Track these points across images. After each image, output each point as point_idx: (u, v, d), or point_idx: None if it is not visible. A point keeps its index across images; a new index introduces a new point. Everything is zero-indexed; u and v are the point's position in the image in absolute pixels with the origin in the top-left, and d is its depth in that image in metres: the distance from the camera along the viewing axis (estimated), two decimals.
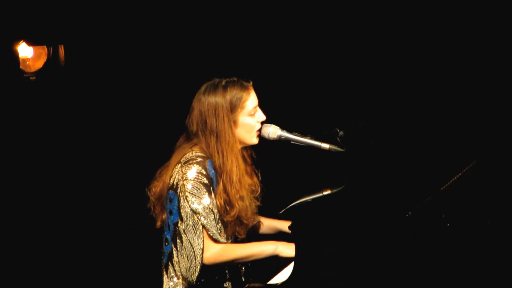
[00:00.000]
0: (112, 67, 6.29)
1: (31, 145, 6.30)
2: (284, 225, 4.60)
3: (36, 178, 6.34)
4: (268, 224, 4.66)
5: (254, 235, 4.59)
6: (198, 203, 4.17)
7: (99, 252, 6.37)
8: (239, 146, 4.32)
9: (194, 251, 4.17)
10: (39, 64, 6.30)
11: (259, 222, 4.63)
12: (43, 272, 6.33)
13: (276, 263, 4.37)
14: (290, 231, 4.31)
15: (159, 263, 4.38)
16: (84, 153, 6.37)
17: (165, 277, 4.31)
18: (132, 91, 6.30)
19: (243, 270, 4.45)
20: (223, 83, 4.30)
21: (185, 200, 4.17)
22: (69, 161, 6.36)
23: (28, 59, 6.28)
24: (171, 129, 4.55)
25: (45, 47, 6.29)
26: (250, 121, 4.31)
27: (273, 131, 4.35)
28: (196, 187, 4.17)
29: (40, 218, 6.35)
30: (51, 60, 6.29)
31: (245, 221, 4.31)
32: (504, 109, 5.48)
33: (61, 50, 6.28)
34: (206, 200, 4.18)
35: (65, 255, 6.35)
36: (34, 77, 6.28)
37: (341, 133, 4.28)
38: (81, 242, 6.37)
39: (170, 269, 4.27)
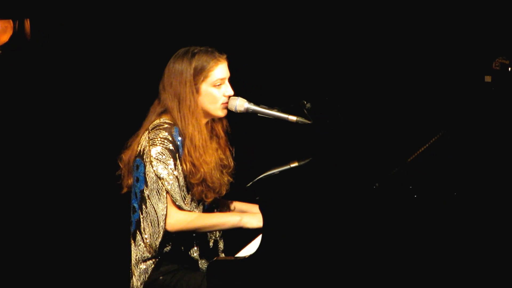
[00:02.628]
0: (79, 40, 6.24)
1: None
2: (252, 208, 4.61)
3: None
4: (237, 207, 4.68)
5: None
6: (163, 168, 4.18)
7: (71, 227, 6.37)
8: (203, 116, 4.32)
9: (157, 216, 4.18)
10: (5, 38, 6.22)
11: (229, 205, 4.66)
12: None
13: (245, 235, 4.38)
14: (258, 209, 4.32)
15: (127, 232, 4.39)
16: (51, 127, 6.32)
17: (132, 245, 4.33)
18: (100, 64, 6.26)
19: (212, 243, 4.45)
20: (195, 50, 4.34)
21: (150, 165, 4.19)
22: (36, 135, 6.31)
23: None
24: (143, 98, 4.53)
25: (10, 21, 6.21)
26: (214, 92, 4.30)
27: (240, 104, 4.34)
28: (162, 152, 4.18)
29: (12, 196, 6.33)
30: (17, 34, 6.22)
31: (210, 185, 4.31)
32: (469, 80, 5.51)
33: (27, 23, 6.21)
34: (171, 166, 4.19)
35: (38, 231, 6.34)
36: (0, 51, 6.22)
37: (308, 105, 4.28)
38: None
39: (138, 237, 4.28)
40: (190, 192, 4.30)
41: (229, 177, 4.48)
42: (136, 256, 4.30)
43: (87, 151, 6.32)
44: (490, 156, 4.30)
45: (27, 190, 6.30)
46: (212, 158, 4.34)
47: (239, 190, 4.59)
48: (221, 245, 4.55)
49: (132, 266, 4.33)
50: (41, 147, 6.32)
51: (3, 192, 6.27)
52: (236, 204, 4.68)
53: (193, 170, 4.25)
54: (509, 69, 4.63)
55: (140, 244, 4.28)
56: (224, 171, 4.45)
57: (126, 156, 4.35)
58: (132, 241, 4.32)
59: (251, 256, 4.07)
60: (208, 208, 4.44)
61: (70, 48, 6.27)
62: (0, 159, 6.28)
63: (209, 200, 4.36)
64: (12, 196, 6.28)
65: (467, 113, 4.38)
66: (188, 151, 4.25)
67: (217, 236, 4.52)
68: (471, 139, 4.30)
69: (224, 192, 4.45)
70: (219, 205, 4.58)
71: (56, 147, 6.34)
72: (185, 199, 4.27)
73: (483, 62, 5.23)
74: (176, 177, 4.21)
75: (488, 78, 4.78)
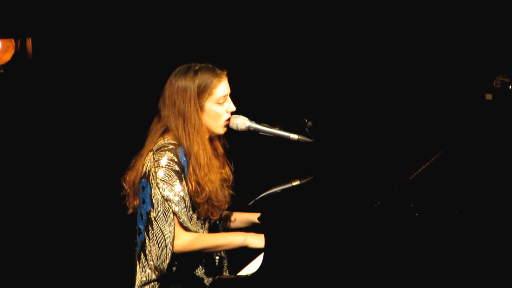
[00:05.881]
0: (80, 60, 6.26)
1: None
2: (253, 217, 4.61)
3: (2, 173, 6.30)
4: (240, 217, 4.67)
5: (227, 230, 4.60)
6: (170, 190, 4.17)
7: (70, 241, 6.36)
8: (207, 133, 4.33)
9: (165, 239, 4.17)
10: (7, 57, 6.24)
11: (232, 216, 4.65)
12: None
13: (249, 253, 4.37)
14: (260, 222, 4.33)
15: (132, 254, 4.38)
16: (54, 145, 6.32)
17: (138, 267, 4.31)
18: (102, 82, 6.27)
19: (217, 260, 4.45)
20: (196, 67, 4.32)
21: (157, 187, 4.17)
22: (39, 153, 6.32)
23: None
24: (144, 117, 4.53)
25: (12, 40, 6.23)
26: (218, 109, 4.31)
27: (242, 122, 4.35)
28: (168, 174, 4.18)
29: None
30: (19, 53, 6.24)
31: (216, 203, 4.31)
32: (470, 98, 5.51)
33: (29, 43, 6.23)
34: (178, 187, 4.18)
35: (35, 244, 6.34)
36: (2, 70, 6.23)
37: (309, 123, 4.28)
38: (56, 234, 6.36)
39: (143, 259, 4.27)
40: (196, 212, 4.30)
41: (229, 190, 4.48)
42: (141, 278, 4.28)
43: (89, 169, 6.33)
44: (492, 173, 4.30)
45: (30, 210, 6.31)
46: (217, 176, 4.34)
47: (240, 207, 4.61)
48: (225, 262, 4.54)
49: (136, 287, 4.32)
50: (42, 164, 6.32)
51: (4, 201, 6.28)
52: (237, 216, 4.67)
53: (198, 189, 4.25)
54: (510, 87, 4.65)
55: (144, 266, 4.27)
56: (224, 185, 4.44)
57: (131, 177, 4.34)
58: (137, 263, 4.31)
59: (253, 274, 4.06)
60: (213, 224, 4.44)
61: (71, 67, 6.28)
62: (2, 176, 6.29)
63: (215, 217, 4.36)
64: (14, 214, 6.28)
65: (468, 131, 4.39)
66: (193, 170, 4.25)
67: (222, 253, 4.51)
68: (472, 157, 4.30)
69: (226, 206, 4.45)
70: (222, 218, 4.56)
71: (57, 165, 6.34)
72: (191, 219, 4.27)
73: (483, 80, 5.25)
74: (183, 198, 4.20)
75: (488, 96, 4.79)
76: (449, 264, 3.97)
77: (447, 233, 3.97)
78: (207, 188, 4.25)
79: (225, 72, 4.36)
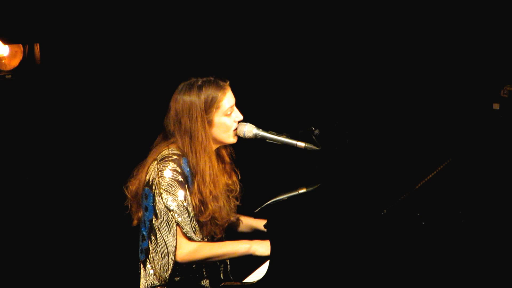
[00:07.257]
0: (88, 65, 6.27)
1: (6, 144, 6.27)
2: (261, 224, 4.60)
3: (11, 177, 6.30)
4: (246, 222, 4.67)
5: (232, 233, 4.60)
6: (173, 200, 4.17)
7: (76, 250, 6.36)
8: (215, 146, 4.33)
9: (167, 248, 4.17)
10: (15, 62, 6.26)
11: (238, 220, 4.64)
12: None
13: (254, 261, 4.37)
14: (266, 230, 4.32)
15: (137, 259, 4.39)
16: (60, 151, 6.34)
17: (142, 273, 4.31)
18: (109, 90, 6.29)
19: (222, 268, 4.45)
20: (199, 82, 4.30)
21: (160, 197, 4.17)
22: (45, 159, 6.33)
23: (3, 58, 6.23)
24: (149, 127, 4.54)
25: (20, 45, 6.24)
26: (226, 120, 4.30)
27: (249, 130, 4.35)
28: (171, 184, 4.17)
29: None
30: (27, 58, 6.25)
31: (219, 222, 4.31)
32: (477, 108, 5.52)
33: (37, 48, 6.25)
34: (181, 197, 4.18)
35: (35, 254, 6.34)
36: (10, 76, 6.24)
37: (316, 131, 4.28)
38: (57, 241, 6.36)
39: (148, 265, 4.27)
40: (199, 224, 4.29)
41: (235, 201, 4.47)
42: (146, 283, 4.29)
43: (96, 173, 6.34)
44: (498, 182, 4.30)
45: (35, 216, 6.31)
46: (223, 194, 4.33)
47: (247, 214, 4.61)
48: (229, 270, 4.54)
49: None
50: (48, 169, 6.33)
51: (7, 204, 6.29)
52: (244, 220, 4.66)
53: (202, 208, 4.24)
54: None
55: (149, 273, 4.27)
56: (230, 195, 4.44)
57: (134, 186, 4.33)
58: (142, 268, 4.31)
59: (258, 281, 4.06)
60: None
61: (79, 73, 6.30)
62: (8, 180, 6.30)
63: (219, 236, 4.35)
64: (16, 217, 6.29)
65: (475, 140, 4.39)
66: (198, 187, 4.24)
67: (227, 262, 4.51)
68: (479, 166, 4.30)
69: (232, 219, 4.45)
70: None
71: (63, 169, 6.35)
72: (195, 230, 4.26)
73: (491, 89, 5.25)
74: (186, 208, 4.20)
75: (496, 106, 4.80)
76: (454, 272, 3.96)
77: (453, 242, 3.97)
78: (210, 206, 4.25)
79: (228, 83, 4.35)
